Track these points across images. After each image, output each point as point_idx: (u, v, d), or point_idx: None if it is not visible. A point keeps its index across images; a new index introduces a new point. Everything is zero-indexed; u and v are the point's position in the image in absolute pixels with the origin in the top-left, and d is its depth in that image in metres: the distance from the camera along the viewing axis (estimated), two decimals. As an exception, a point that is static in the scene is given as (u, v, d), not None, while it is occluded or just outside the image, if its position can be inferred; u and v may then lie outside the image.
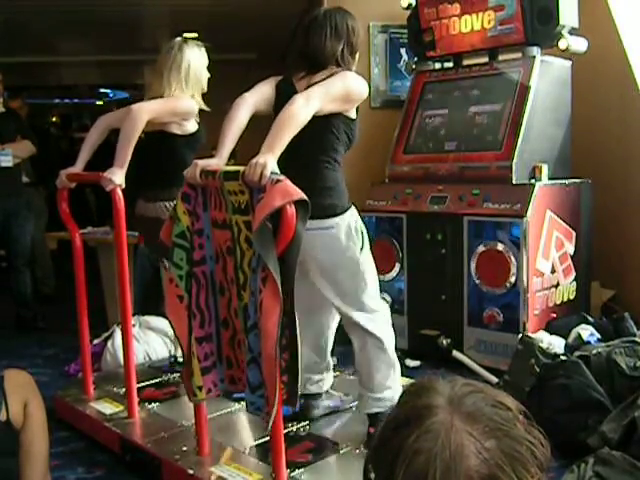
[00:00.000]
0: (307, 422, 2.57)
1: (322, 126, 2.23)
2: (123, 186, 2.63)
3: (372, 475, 0.82)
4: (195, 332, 2.13)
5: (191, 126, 2.88)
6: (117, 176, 2.59)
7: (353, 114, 2.32)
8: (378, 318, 2.42)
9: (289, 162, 1.99)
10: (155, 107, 2.74)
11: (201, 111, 2.92)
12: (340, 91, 2.21)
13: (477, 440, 0.74)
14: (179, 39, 2.89)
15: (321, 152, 2.30)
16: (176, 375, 3.11)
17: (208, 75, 2.92)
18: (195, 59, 2.85)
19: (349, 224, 2.30)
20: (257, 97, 2.28)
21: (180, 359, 3.07)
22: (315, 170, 2.28)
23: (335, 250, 2.28)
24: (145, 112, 2.67)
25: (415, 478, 0.73)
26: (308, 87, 2.24)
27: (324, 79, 2.24)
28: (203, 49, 2.91)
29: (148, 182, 2.96)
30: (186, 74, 2.82)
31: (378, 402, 2.40)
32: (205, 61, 2.90)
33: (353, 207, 2.36)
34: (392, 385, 2.43)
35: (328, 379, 2.68)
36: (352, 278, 2.32)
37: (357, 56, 2.39)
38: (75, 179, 2.89)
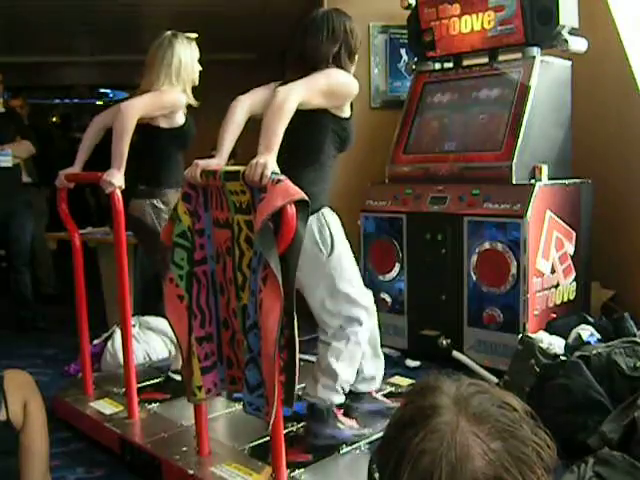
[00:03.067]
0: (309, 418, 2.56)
1: (307, 124, 2.21)
2: (123, 187, 2.62)
3: (376, 475, 0.82)
4: (196, 332, 2.13)
5: (179, 119, 2.86)
6: (116, 178, 2.58)
7: (345, 113, 2.31)
8: (350, 327, 2.38)
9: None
10: (145, 103, 2.72)
11: (191, 107, 2.90)
12: (323, 84, 2.19)
13: (483, 441, 0.74)
14: (169, 33, 2.87)
15: (302, 152, 2.28)
16: (176, 375, 3.10)
17: (200, 68, 2.91)
18: (185, 53, 2.84)
19: (312, 229, 2.25)
20: (254, 99, 2.28)
21: (174, 376, 2.99)
22: (291, 171, 2.11)
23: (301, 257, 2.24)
24: (135, 110, 2.65)
25: (420, 479, 0.73)
26: None
27: None
28: (193, 43, 2.90)
29: (136, 178, 2.94)
30: (176, 68, 2.81)
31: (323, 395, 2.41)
32: (196, 54, 2.89)
33: (324, 210, 2.31)
34: (323, 395, 2.41)
35: (378, 378, 2.66)
36: (318, 283, 2.31)
37: (356, 57, 2.38)
38: (74, 179, 2.89)
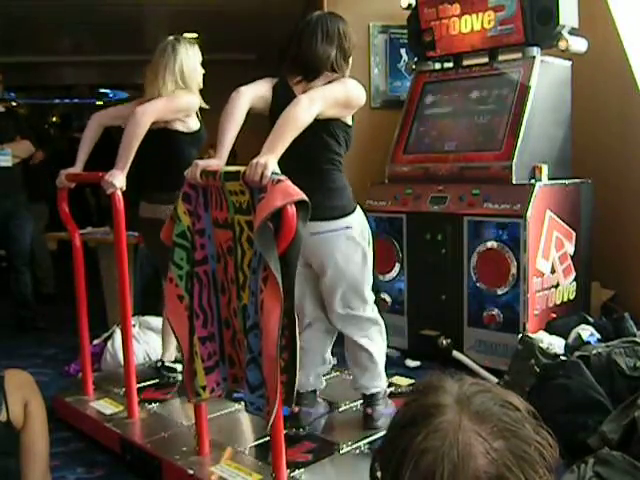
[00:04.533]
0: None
1: (323, 130, 2.27)
2: (124, 189, 2.62)
3: (379, 474, 0.82)
4: (198, 332, 2.13)
5: (194, 123, 2.89)
6: (118, 179, 2.58)
7: (350, 120, 2.37)
8: (374, 307, 2.55)
9: (296, 166, 2.00)
10: (159, 107, 2.73)
11: (201, 109, 2.92)
12: (342, 97, 2.26)
13: (485, 440, 0.74)
14: (171, 38, 2.89)
15: (325, 155, 2.35)
16: (176, 375, 3.10)
17: (203, 71, 2.93)
18: (188, 57, 2.86)
19: (359, 222, 2.41)
20: (254, 92, 2.28)
21: (167, 363, 3.11)
22: (323, 172, 2.35)
23: (351, 248, 2.38)
24: (149, 115, 2.66)
25: (422, 477, 0.73)
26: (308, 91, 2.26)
27: (324, 85, 2.27)
28: (196, 46, 2.91)
29: (150, 182, 2.95)
30: (181, 73, 2.82)
31: (375, 382, 2.55)
32: (199, 58, 2.91)
33: (358, 206, 2.46)
34: (380, 383, 2.58)
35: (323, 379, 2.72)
36: (360, 273, 2.43)
37: (350, 60, 2.41)
38: (75, 179, 2.88)
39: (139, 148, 2.66)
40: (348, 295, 2.44)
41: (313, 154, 2.31)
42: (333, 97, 2.22)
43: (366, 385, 2.55)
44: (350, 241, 2.36)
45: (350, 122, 2.37)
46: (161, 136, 2.81)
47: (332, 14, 2.42)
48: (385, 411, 2.55)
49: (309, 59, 2.32)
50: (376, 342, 2.54)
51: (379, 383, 2.56)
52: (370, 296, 2.51)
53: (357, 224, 2.39)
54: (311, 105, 2.08)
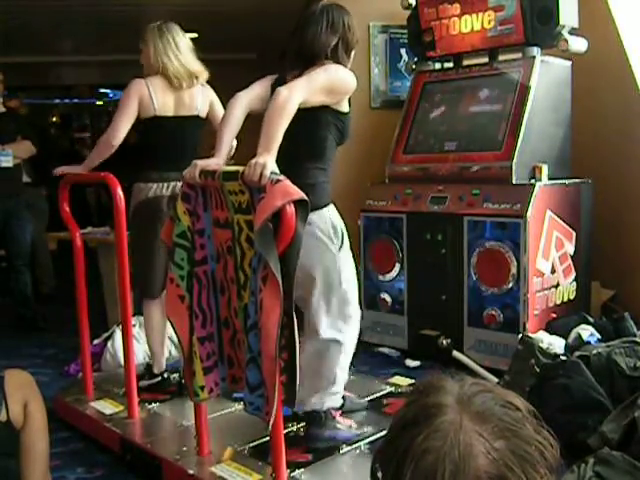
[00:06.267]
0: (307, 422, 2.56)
1: (309, 121, 2.20)
2: None
3: (379, 474, 0.82)
4: (197, 332, 2.13)
5: None
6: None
7: (345, 107, 2.30)
8: (343, 327, 2.36)
9: (277, 159, 1.96)
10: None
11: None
12: (323, 82, 2.17)
13: (486, 440, 0.74)
14: (158, 22, 2.98)
15: (306, 148, 2.27)
16: (176, 375, 3.10)
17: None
18: (181, 37, 2.94)
19: (326, 221, 2.27)
20: (251, 96, 2.27)
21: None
22: (296, 166, 2.19)
23: (311, 247, 2.19)
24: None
25: (424, 478, 0.73)
26: None
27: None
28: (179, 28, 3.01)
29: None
30: (176, 46, 2.90)
31: (320, 400, 2.38)
32: (188, 40, 2.98)
33: (332, 205, 2.32)
34: (320, 402, 2.39)
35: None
36: (327, 275, 2.29)
37: (353, 54, 2.37)
38: (75, 179, 2.88)
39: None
40: (312, 297, 2.30)
41: (293, 146, 2.13)
42: (315, 83, 2.14)
43: (307, 401, 2.37)
44: (310, 239, 2.15)
45: (345, 109, 2.29)
46: (191, 122, 2.92)
47: (337, 5, 2.36)
48: (325, 434, 2.37)
49: (311, 48, 2.26)
50: (331, 356, 2.35)
51: (324, 400, 2.38)
52: (344, 310, 2.34)
53: (321, 222, 2.24)
54: (291, 93, 2.02)
